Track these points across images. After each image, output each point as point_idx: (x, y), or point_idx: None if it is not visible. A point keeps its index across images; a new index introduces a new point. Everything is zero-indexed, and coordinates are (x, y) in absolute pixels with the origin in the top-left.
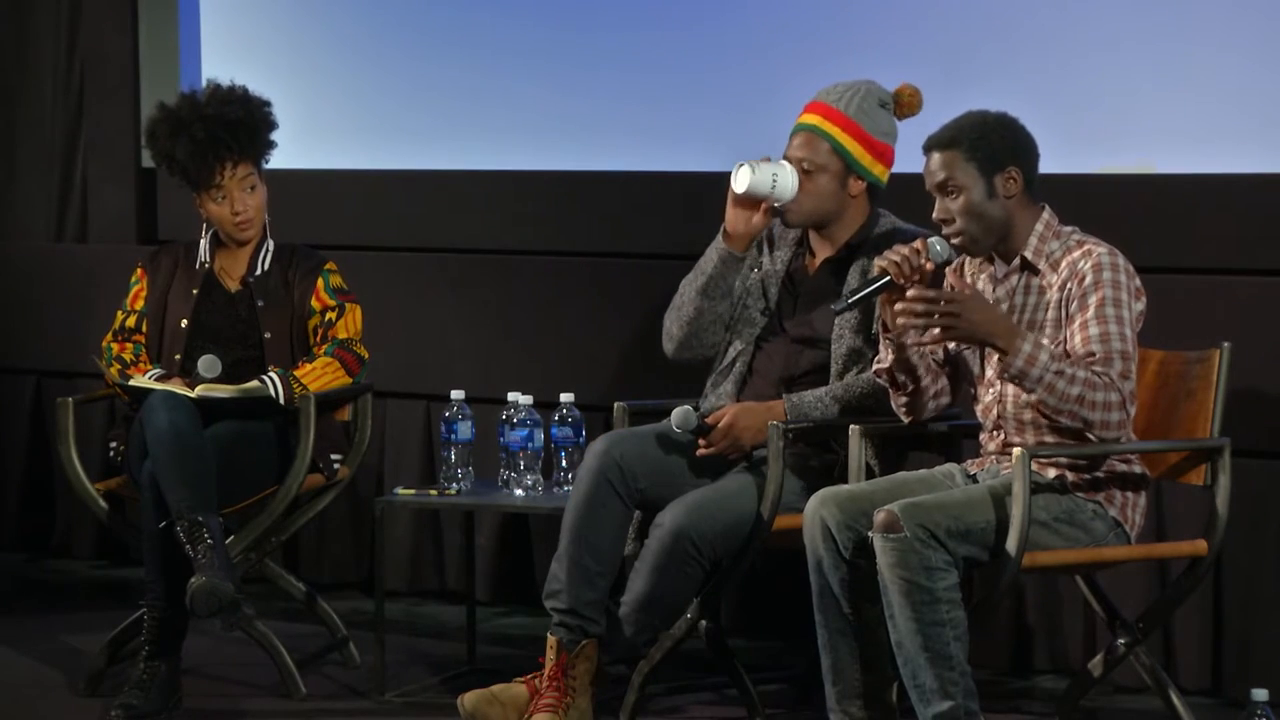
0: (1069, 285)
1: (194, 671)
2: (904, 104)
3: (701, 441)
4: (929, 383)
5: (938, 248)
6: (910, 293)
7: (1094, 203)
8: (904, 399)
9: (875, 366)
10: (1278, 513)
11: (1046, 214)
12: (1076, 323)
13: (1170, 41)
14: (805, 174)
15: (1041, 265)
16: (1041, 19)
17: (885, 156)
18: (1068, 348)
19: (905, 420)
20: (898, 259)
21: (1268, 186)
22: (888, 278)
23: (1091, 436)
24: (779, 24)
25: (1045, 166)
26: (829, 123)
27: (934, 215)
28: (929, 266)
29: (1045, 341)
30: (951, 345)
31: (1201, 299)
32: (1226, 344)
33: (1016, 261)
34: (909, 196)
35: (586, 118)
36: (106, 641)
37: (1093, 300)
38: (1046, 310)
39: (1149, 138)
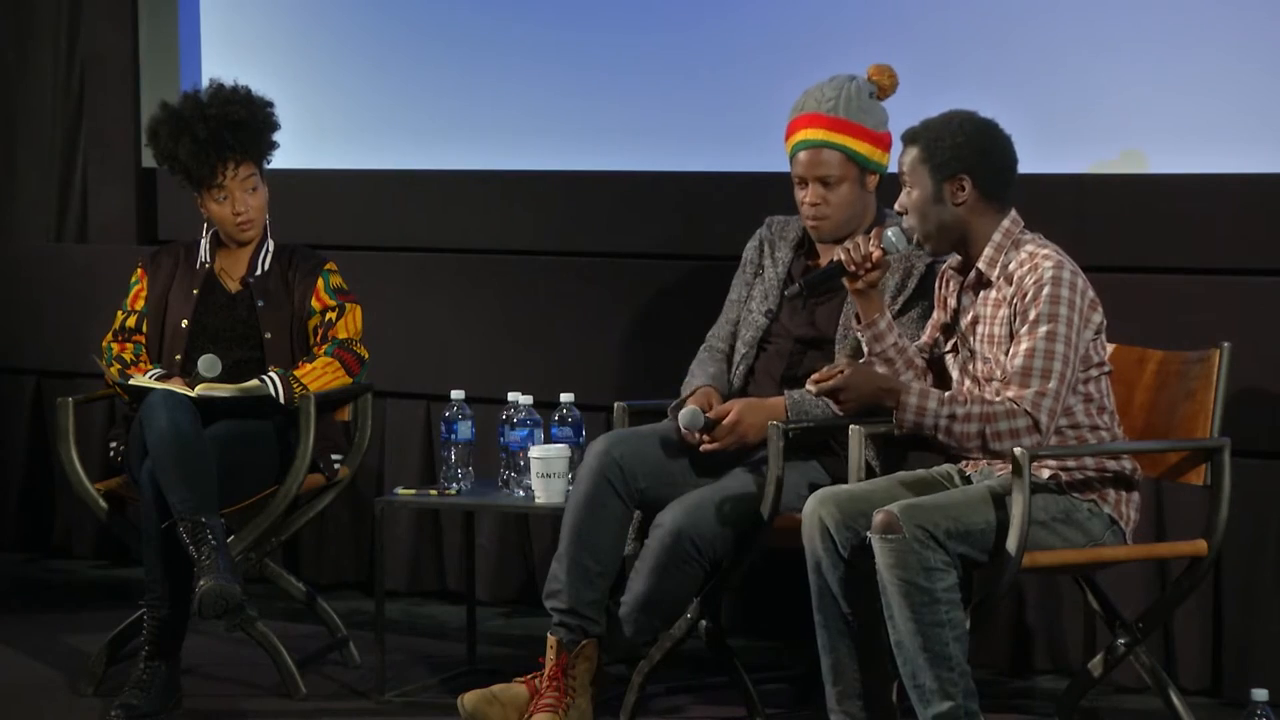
0: (1015, 300)
1: (194, 671)
2: (885, 87)
3: (706, 437)
4: (911, 378)
5: (892, 238)
6: (811, 382)
7: (1093, 203)
8: None
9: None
10: (1278, 513)
11: (1008, 221)
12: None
13: (1171, 41)
14: (827, 188)
15: (995, 277)
16: (1038, 19)
17: (887, 143)
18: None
19: None
20: (851, 247)
21: (1268, 186)
22: (839, 265)
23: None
24: (777, 24)
25: (1042, 167)
26: (835, 133)
27: (895, 204)
28: (877, 255)
29: (935, 389)
30: (937, 350)
31: (1201, 299)
32: (1226, 344)
33: (973, 274)
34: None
35: (586, 118)
36: (106, 641)
37: (1030, 316)
38: (1003, 325)
39: (1147, 137)
